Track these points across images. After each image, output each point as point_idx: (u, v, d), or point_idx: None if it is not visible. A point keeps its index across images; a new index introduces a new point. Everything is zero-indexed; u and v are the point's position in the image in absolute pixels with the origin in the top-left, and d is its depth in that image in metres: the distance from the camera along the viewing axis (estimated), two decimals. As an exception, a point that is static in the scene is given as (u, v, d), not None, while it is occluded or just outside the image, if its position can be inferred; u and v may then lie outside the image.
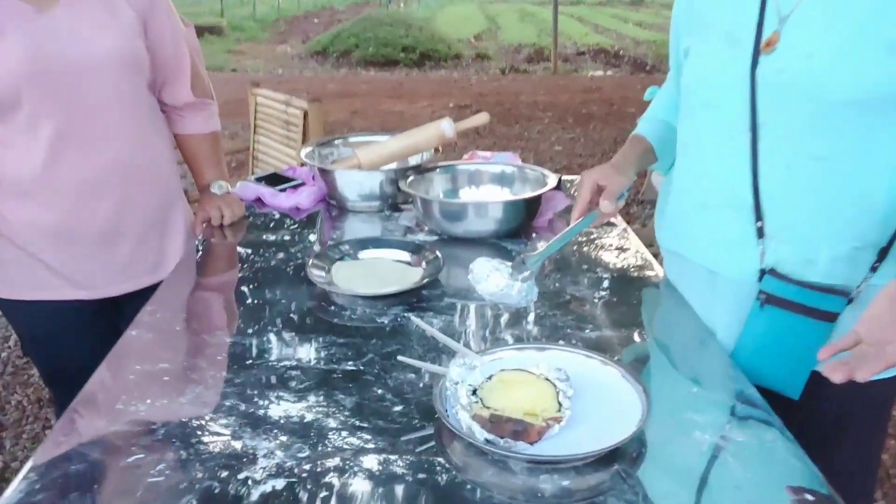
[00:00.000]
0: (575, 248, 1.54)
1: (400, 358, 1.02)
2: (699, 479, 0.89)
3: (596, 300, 1.32)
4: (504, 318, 1.24)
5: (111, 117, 1.42)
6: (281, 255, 1.50)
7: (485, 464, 0.89)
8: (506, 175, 1.74)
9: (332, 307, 1.29)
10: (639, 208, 4.39)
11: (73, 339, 1.47)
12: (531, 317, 1.25)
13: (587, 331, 1.20)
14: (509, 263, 1.14)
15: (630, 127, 1.49)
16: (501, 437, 0.89)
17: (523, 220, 1.58)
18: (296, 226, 1.67)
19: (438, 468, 0.89)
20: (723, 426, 0.97)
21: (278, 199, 1.78)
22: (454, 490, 0.85)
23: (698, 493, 0.87)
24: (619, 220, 1.68)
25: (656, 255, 1.52)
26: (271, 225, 1.67)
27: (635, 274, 1.43)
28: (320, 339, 1.18)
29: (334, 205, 1.78)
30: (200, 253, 1.55)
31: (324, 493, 0.84)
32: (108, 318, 1.50)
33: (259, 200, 1.80)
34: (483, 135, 6.19)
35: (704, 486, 0.88)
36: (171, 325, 1.24)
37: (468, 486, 0.86)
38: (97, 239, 1.45)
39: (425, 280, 1.33)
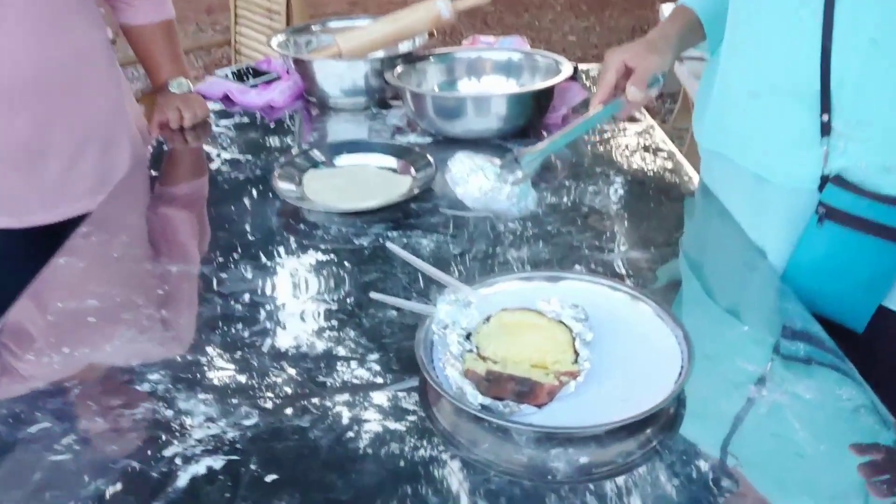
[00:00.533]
0: (591, 148, 1.31)
1: (373, 295, 0.81)
2: (757, 450, 0.69)
3: (619, 213, 1.10)
4: (510, 238, 1.03)
5: (19, 10, 1.14)
6: (248, 163, 1.27)
7: (480, 431, 0.70)
8: (512, 64, 1.48)
9: (302, 226, 1.07)
10: (658, 102, 4.08)
11: (5, 275, 1.25)
12: (541, 236, 1.03)
13: (609, 252, 0.99)
14: (499, 161, 0.91)
15: (651, 14, 1.21)
16: (501, 400, 0.69)
17: (533, 116, 1.34)
18: (269, 128, 1.44)
19: (419, 436, 0.69)
20: (784, 378, 0.76)
21: (248, 97, 1.54)
22: (438, 468, 0.66)
23: (757, 469, 0.67)
24: (643, 115, 1.43)
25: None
26: (240, 127, 1.44)
27: (667, 180, 1.20)
28: (284, 268, 0.97)
29: (314, 102, 1.54)
30: (153, 163, 1.33)
31: (273, 477, 0.66)
32: (48, 250, 1.28)
33: (227, 98, 1.56)
34: (490, 24, 5.79)
35: (764, 459, 0.68)
36: (108, 250, 1.03)
37: (457, 466, 0.67)
38: (18, 158, 1.21)
39: (415, 191, 1.11)
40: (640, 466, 0.67)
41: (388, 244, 0.78)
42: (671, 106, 3.91)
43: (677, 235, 1.06)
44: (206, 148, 1.35)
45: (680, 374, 0.72)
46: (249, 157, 1.29)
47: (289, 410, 0.73)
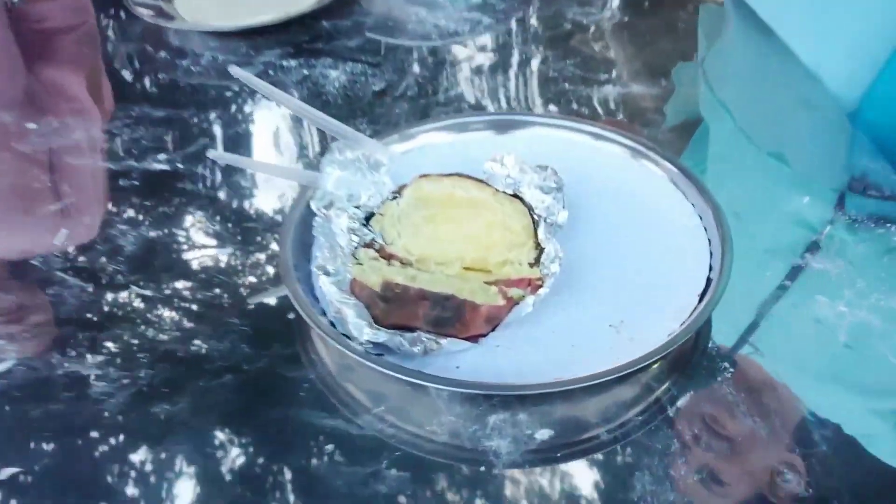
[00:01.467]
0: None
1: (211, 154, 0.50)
2: (824, 392, 0.43)
3: (615, 31, 0.78)
4: (457, 67, 0.72)
5: None
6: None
7: (379, 383, 0.43)
8: None
9: (163, 53, 0.75)
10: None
11: None
12: (503, 64, 0.72)
13: (600, 86, 0.68)
14: None
15: None
16: (410, 332, 0.41)
17: None
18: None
19: (274, 392, 0.42)
20: (864, 282, 0.48)
21: None
22: (299, 449, 0.39)
23: (822, 444, 0.41)
24: None
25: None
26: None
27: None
28: (121, 115, 0.66)
29: None
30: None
31: (10, 472, 0.39)
32: None
33: None
34: None
35: (835, 425, 0.42)
36: None
37: (331, 446, 0.40)
38: None
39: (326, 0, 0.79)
40: (636, 436, 0.40)
41: (232, 67, 0.47)
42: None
43: (698, 62, 0.75)
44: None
45: (708, 283, 0.44)
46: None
47: (66, 349, 0.45)
